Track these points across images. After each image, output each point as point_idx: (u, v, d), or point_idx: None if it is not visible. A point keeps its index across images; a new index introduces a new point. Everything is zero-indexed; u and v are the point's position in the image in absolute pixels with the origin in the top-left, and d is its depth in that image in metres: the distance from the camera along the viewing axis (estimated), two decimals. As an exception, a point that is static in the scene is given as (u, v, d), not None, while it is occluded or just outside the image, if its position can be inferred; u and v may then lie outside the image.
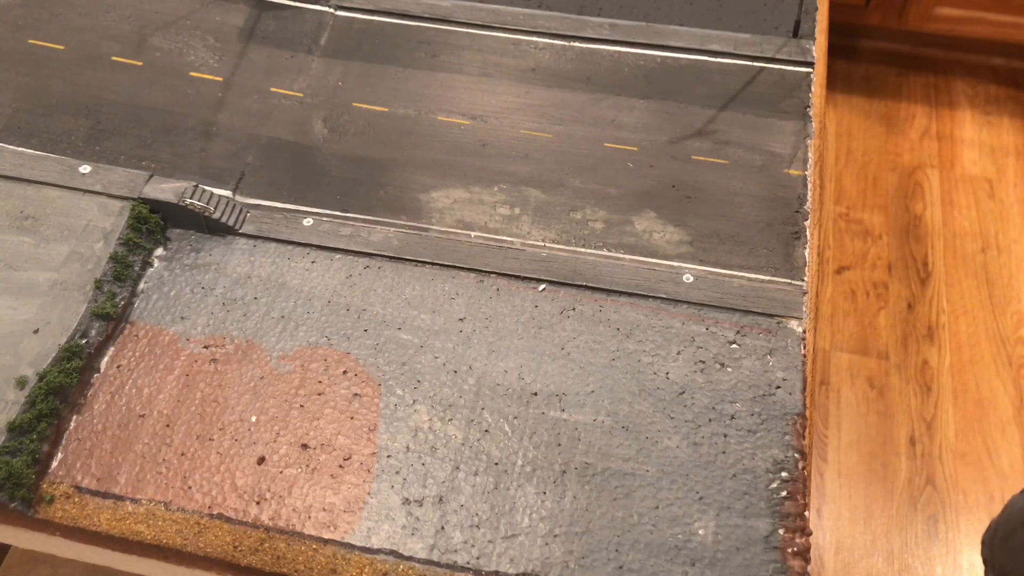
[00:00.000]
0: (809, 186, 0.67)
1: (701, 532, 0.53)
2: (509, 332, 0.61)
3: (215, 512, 0.54)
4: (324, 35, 0.77)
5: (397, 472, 0.55)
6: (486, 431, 0.57)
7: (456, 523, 0.53)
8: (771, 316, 0.61)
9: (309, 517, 0.54)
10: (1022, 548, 0.74)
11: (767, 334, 0.60)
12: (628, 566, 0.52)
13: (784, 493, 0.54)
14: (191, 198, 0.64)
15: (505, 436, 0.56)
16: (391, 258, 0.64)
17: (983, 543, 0.82)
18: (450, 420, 0.57)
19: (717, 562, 0.52)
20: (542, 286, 0.63)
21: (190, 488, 0.55)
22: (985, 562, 0.81)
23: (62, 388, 0.57)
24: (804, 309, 0.61)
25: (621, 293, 0.62)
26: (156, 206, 0.65)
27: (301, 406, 0.58)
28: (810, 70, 0.73)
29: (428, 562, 0.52)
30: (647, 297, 0.62)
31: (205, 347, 0.60)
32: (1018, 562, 0.75)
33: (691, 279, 0.62)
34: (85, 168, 0.67)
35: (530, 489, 0.54)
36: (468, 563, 0.52)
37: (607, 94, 0.73)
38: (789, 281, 0.62)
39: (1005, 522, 0.79)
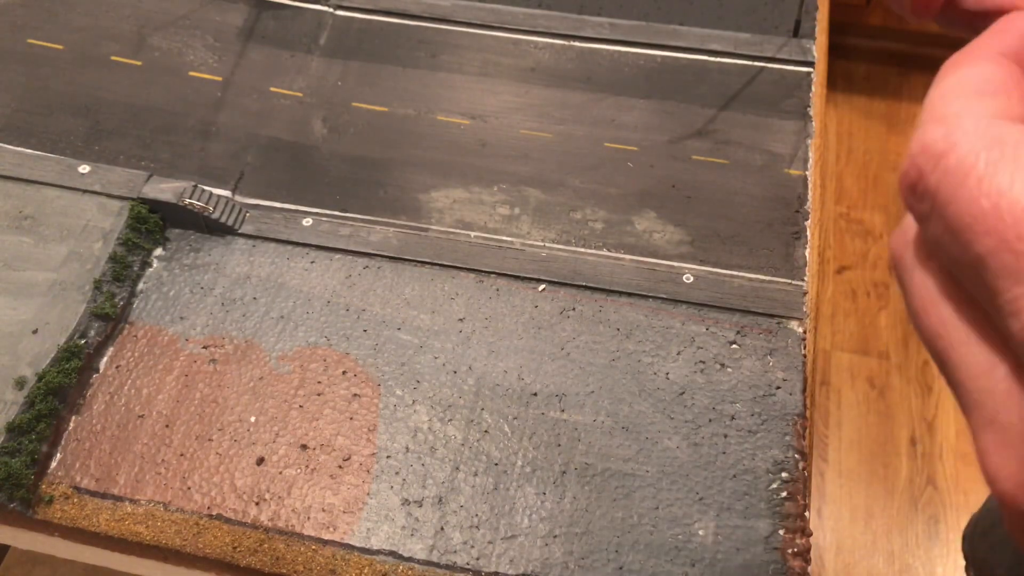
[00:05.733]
0: (809, 186, 0.67)
1: (701, 533, 0.53)
2: (509, 332, 0.61)
3: (214, 513, 0.54)
4: (324, 35, 0.76)
5: (396, 473, 0.55)
6: (486, 431, 0.56)
7: (456, 524, 0.53)
8: (771, 316, 0.61)
9: (308, 518, 0.54)
10: (1002, 543, 0.74)
11: (767, 334, 0.60)
12: (628, 567, 0.52)
13: (784, 494, 0.54)
14: (190, 198, 0.64)
15: (505, 437, 0.56)
16: (390, 258, 0.64)
17: (964, 539, 0.82)
18: (450, 420, 0.57)
19: (717, 563, 0.52)
20: (542, 286, 0.63)
21: (189, 489, 0.55)
22: (966, 557, 0.81)
23: (61, 388, 0.57)
24: (804, 309, 0.61)
25: (621, 293, 0.62)
26: (155, 206, 0.65)
27: (300, 406, 0.57)
28: (810, 70, 0.73)
29: (428, 563, 0.52)
30: (647, 297, 0.62)
31: (204, 347, 0.60)
32: (998, 556, 0.75)
33: (691, 279, 0.62)
34: (84, 168, 0.66)
35: (530, 490, 0.54)
36: (468, 564, 0.52)
37: (607, 94, 0.72)
38: (789, 281, 0.62)
39: (985, 516, 0.79)
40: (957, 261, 0.21)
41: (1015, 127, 0.20)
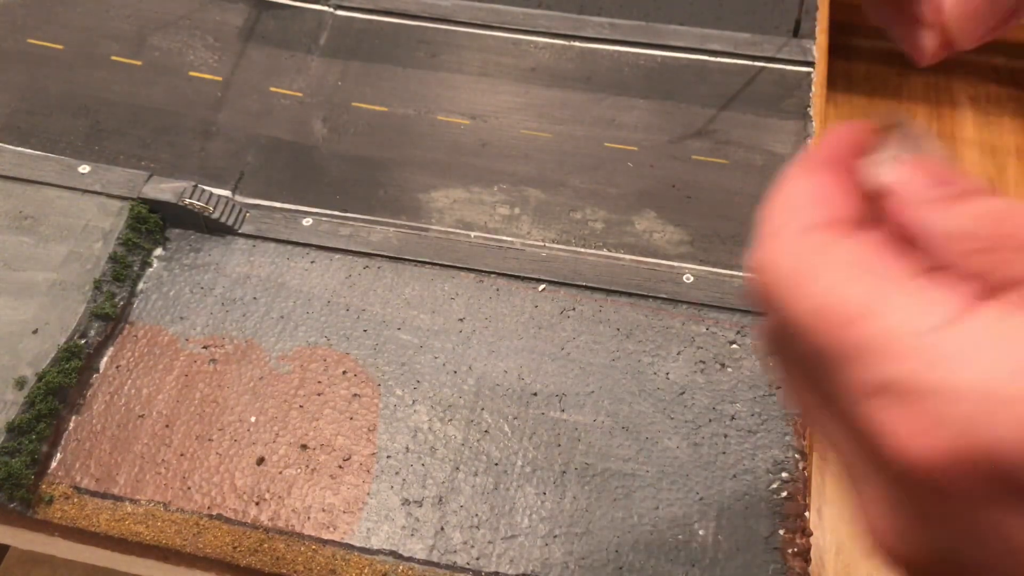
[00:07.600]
0: (809, 186, 0.67)
1: (701, 533, 0.53)
2: (509, 332, 0.61)
3: (214, 513, 0.54)
4: (324, 35, 0.76)
5: (396, 473, 0.55)
6: (486, 431, 0.56)
7: (456, 524, 0.53)
8: (771, 316, 0.61)
9: (308, 518, 0.54)
10: None
11: (767, 334, 0.60)
12: (628, 567, 0.52)
13: (784, 493, 0.54)
14: (190, 198, 0.64)
15: (505, 436, 0.56)
16: (391, 258, 0.64)
17: None
18: (450, 420, 0.57)
19: (717, 563, 0.52)
20: (542, 286, 0.63)
21: (189, 489, 0.55)
22: None
23: (61, 388, 0.57)
24: (804, 309, 0.61)
25: (621, 293, 0.62)
26: (155, 206, 0.65)
27: (300, 406, 0.57)
28: (810, 70, 0.73)
29: (428, 563, 0.52)
30: (647, 297, 0.62)
31: (204, 347, 0.60)
32: None
33: (691, 279, 0.62)
34: (84, 168, 0.66)
35: (530, 490, 0.54)
36: (468, 564, 0.52)
37: (607, 94, 0.72)
38: (789, 281, 0.62)
39: None
40: (800, 358, 0.24)
41: (821, 235, 0.23)
